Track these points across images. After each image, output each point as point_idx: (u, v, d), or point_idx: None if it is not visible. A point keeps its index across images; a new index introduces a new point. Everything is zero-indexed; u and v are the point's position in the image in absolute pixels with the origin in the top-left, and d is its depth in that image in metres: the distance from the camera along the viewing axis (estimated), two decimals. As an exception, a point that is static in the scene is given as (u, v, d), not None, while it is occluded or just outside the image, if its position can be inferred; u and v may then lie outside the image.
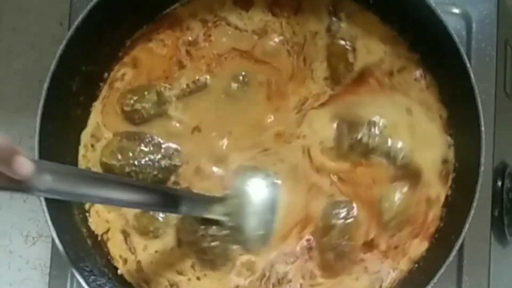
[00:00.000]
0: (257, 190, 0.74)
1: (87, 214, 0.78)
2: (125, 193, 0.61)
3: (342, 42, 0.77)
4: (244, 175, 0.75)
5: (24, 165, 0.50)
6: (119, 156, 0.77)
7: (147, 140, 0.78)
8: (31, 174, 0.50)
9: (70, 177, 0.56)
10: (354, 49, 0.77)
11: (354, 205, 0.75)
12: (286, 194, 0.75)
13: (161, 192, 0.68)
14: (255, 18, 0.79)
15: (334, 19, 0.78)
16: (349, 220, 0.74)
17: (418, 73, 0.77)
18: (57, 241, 0.70)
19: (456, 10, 0.80)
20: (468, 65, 0.69)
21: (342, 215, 0.74)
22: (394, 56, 0.77)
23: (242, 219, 0.73)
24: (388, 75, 0.77)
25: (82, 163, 0.79)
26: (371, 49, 0.77)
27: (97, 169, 0.78)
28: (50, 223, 0.70)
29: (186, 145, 0.78)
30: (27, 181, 0.51)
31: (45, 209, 0.70)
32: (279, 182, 0.75)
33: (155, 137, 0.78)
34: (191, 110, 0.78)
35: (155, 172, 0.77)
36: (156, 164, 0.77)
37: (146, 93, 0.78)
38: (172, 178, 0.77)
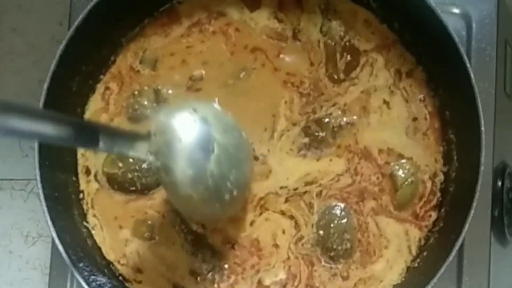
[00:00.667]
0: (185, 125, 0.65)
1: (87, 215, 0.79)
2: (35, 123, 0.53)
3: (333, 42, 0.78)
4: (170, 110, 0.67)
5: None
6: (120, 164, 0.77)
7: None
8: None
9: None
10: (344, 48, 0.78)
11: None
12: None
13: (77, 124, 0.60)
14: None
15: (325, 19, 0.78)
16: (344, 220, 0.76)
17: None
18: (57, 241, 0.70)
19: (456, 10, 0.80)
20: (468, 65, 0.69)
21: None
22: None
23: (168, 157, 0.63)
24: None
25: (80, 162, 0.79)
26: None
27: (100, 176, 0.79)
28: (50, 223, 0.70)
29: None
30: None
31: (45, 209, 0.70)
32: (209, 117, 0.66)
33: None
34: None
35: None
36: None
37: (146, 87, 0.79)
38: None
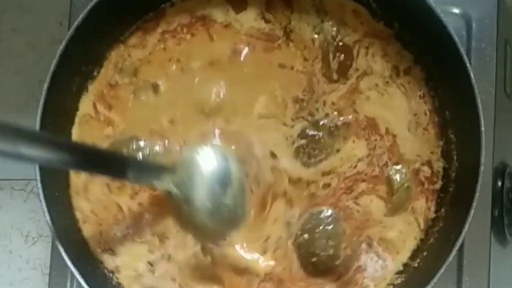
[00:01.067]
0: (207, 161, 0.71)
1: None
2: (63, 153, 0.56)
3: (325, 43, 0.78)
4: (194, 147, 0.74)
5: None
6: None
7: (134, 141, 0.77)
8: None
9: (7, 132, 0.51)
10: (337, 47, 0.78)
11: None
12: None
13: (106, 155, 0.66)
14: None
15: (322, 19, 0.78)
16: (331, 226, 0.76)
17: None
18: (57, 241, 0.70)
19: (456, 10, 0.80)
20: (468, 65, 0.69)
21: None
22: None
23: (190, 189, 0.69)
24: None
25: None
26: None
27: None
28: (50, 223, 0.70)
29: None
30: None
31: (45, 209, 0.70)
32: (228, 155, 0.73)
33: (141, 138, 0.78)
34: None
35: None
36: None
37: (141, 83, 0.79)
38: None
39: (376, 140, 0.76)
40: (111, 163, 0.64)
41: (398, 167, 0.76)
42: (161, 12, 0.79)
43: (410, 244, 0.76)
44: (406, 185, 0.76)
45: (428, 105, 0.77)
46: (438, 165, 0.76)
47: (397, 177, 0.76)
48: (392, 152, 0.76)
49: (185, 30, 0.79)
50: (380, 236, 0.76)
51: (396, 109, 0.77)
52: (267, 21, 0.79)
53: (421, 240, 0.76)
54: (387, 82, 0.77)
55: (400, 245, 0.76)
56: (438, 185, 0.76)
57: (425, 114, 0.77)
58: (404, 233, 0.76)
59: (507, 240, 0.80)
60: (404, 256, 0.76)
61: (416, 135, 0.77)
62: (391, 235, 0.76)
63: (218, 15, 0.79)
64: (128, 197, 0.77)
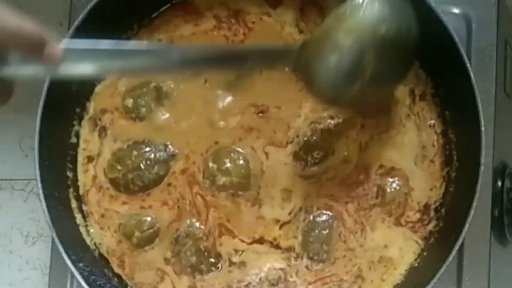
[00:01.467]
0: (337, 47, 0.63)
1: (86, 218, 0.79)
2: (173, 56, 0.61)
3: None
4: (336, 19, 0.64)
5: (55, 54, 0.56)
6: (118, 167, 0.77)
7: (138, 142, 0.78)
8: (61, 60, 0.55)
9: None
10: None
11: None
12: None
13: (227, 50, 0.68)
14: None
15: None
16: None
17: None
18: (57, 241, 0.70)
19: (456, 10, 0.80)
20: (468, 65, 0.69)
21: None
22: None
23: (311, 75, 0.65)
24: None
25: (81, 161, 0.79)
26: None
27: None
28: (50, 223, 0.70)
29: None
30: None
31: (45, 209, 0.70)
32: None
33: (145, 138, 0.78)
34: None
35: (156, 169, 0.77)
36: (154, 161, 0.77)
37: (144, 89, 0.79)
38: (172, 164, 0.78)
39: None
40: (232, 57, 0.64)
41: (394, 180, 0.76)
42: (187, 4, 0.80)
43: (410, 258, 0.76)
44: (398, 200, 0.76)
45: (437, 129, 0.77)
46: (434, 201, 0.76)
47: (391, 190, 0.76)
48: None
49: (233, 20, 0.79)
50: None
51: (405, 146, 0.77)
52: (300, 31, 0.78)
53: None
54: (408, 115, 0.77)
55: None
56: (426, 222, 0.76)
57: (433, 145, 0.76)
58: (404, 249, 0.76)
59: (507, 240, 0.80)
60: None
61: (422, 169, 0.76)
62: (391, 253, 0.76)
63: (254, 8, 0.79)
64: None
